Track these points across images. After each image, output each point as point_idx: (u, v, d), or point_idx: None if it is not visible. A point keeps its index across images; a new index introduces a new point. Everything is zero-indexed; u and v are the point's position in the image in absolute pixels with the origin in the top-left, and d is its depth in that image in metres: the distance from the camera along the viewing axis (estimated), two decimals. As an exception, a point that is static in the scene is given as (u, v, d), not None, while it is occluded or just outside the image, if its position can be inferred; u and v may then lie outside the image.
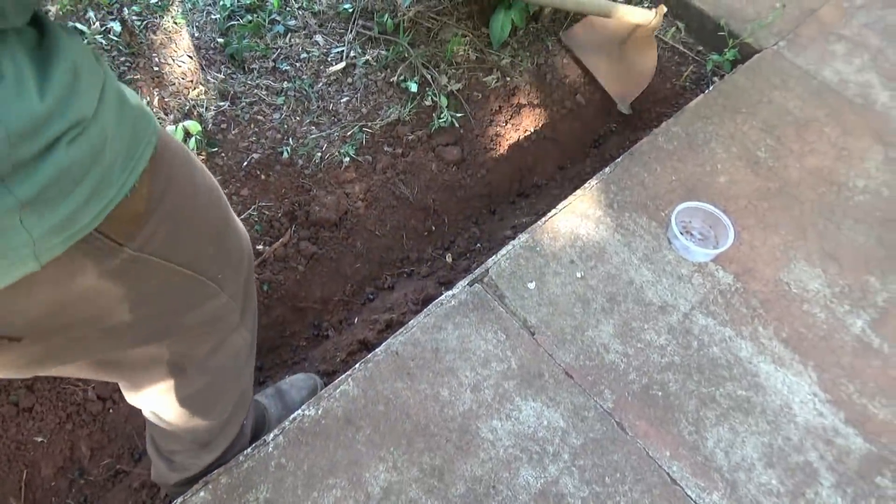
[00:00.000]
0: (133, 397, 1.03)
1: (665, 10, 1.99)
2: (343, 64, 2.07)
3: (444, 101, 2.00)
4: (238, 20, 2.08)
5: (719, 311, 1.50)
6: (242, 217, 1.73)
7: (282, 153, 1.85)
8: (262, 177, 1.81)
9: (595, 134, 2.17)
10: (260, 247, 1.71)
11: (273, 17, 2.12)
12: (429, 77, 2.07)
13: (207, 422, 1.08)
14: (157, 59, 1.94)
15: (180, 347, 0.91)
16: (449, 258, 1.84)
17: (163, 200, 0.68)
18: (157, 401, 1.00)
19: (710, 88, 1.95)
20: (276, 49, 2.07)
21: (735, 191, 1.72)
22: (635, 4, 2.24)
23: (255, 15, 2.10)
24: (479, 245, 1.87)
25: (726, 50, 2.12)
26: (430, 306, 1.45)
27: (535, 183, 2.05)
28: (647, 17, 1.97)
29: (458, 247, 1.88)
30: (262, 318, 1.65)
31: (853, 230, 1.67)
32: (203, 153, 1.80)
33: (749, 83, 1.97)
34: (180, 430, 1.07)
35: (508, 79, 2.14)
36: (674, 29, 2.28)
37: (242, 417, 1.19)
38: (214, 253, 0.83)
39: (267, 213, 1.76)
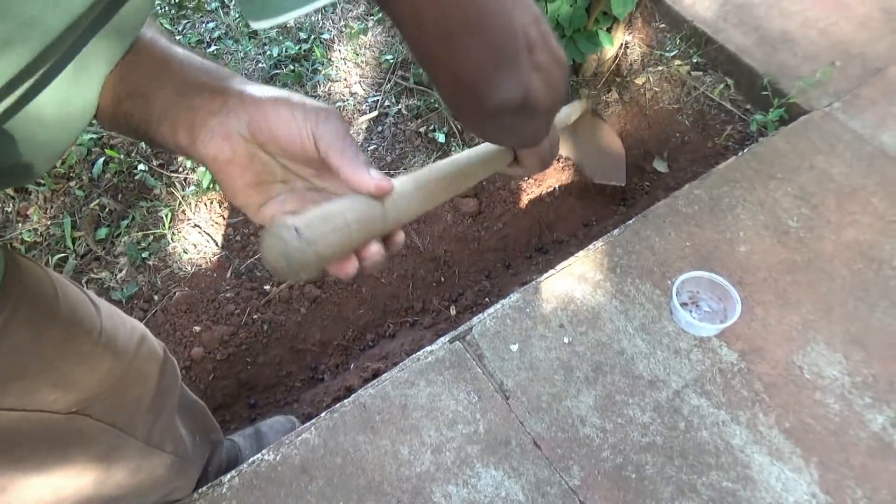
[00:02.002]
0: None
1: (586, 99, 1.98)
2: (376, 112, 2.14)
3: (468, 153, 2.01)
4: (283, 69, 2.20)
5: (716, 392, 1.39)
6: (255, 257, 1.80)
7: (303, 197, 1.92)
8: (281, 219, 1.88)
9: (624, 192, 2.10)
10: (267, 287, 1.77)
11: (316, 66, 2.22)
12: (457, 128, 2.09)
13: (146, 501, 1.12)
14: (203, 104, 2.08)
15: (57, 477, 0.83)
16: (453, 311, 1.82)
17: None
18: None
19: (744, 151, 1.84)
20: (316, 97, 2.16)
21: (755, 262, 1.60)
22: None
23: (299, 64, 2.21)
24: (487, 299, 1.85)
25: (771, 109, 2.00)
26: (406, 360, 1.44)
27: (556, 239, 2.00)
28: (579, 108, 1.78)
29: (465, 299, 1.86)
30: (259, 357, 1.70)
31: (888, 314, 1.51)
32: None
33: (790, 146, 1.85)
34: None
35: (539, 132, 2.12)
36: (722, 86, 2.18)
37: (197, 476, 1.23)
38: (68, 386, 0.77)
39: (280, 254, 1.82)
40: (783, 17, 2.30)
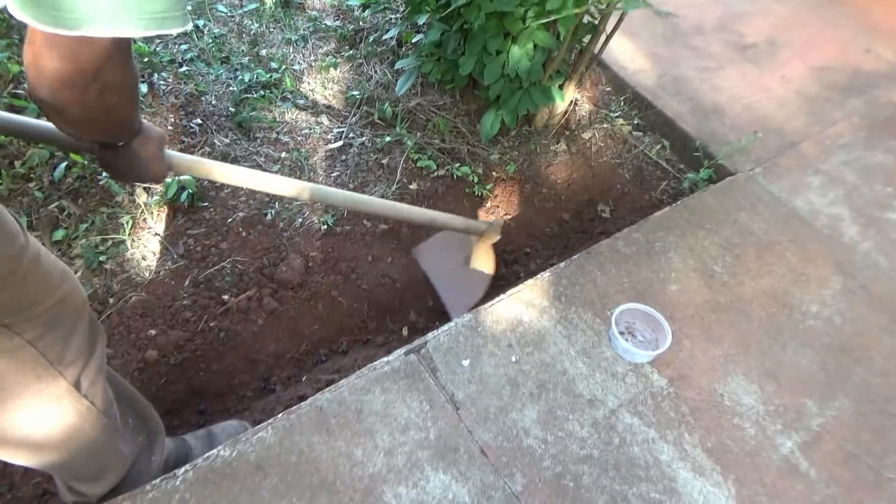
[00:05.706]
0: None
1: (502, 223, 1.90)
2: (341, 143, 2.24)
3: (426, 186, 2.13)
4: (253, 94, 2.28)
5: (647, 413, 1.52)
6: (215, 268, 1.84)
7: (266, 215, 1.98)
8: (243, 234, 1.94)
9: (570, 233, 2.26)
10: (226, 297, 1.81)
11: (285, 94, 2.32)
12: (418, 165, 2.21)
13: (77, 465, 1.13)
14: (172, 120, 2.13)
15: None
16: (405, 332, 1.90)
17: None
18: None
19: (678, 203, 2.04)
20: (283, 123, 2.25)
21: (684, 300, 1.77)
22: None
23: (269, 91, 2.31)
24: (438, 323, 1.93)
25: (702, 170, 2.23)
26: (363, 369, 1.51)
27: (500, 275, 2.13)
28: (481, 227, 1.87)
29: (418, 323, 1.95)
30: (212, 364, 1.73)
31: (798, 353, 1.69)
32: (193, 208, 1.94)
33: (717, 202, 2.06)
34: (52, 469, 1.13)
35: (493, 172, 2.27)
36: (659, 146, 2.41)
37: (131, 456, 1.25)
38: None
39: (240, 266, 1.87)
40: (714, 92, 2.57)
